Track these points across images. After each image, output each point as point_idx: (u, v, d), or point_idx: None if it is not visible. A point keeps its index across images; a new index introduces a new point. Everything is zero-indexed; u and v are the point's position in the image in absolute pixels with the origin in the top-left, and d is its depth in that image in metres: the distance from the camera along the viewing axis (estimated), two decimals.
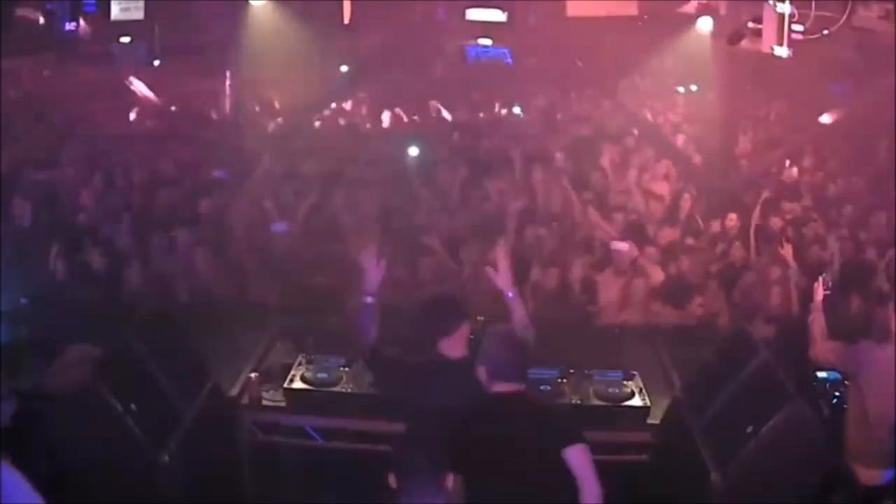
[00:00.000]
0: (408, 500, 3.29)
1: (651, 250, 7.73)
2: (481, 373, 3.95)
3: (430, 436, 3.74)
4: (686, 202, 9.01)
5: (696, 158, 11.59)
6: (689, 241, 8.18)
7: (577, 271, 7.29)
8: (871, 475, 4.95)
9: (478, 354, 4.05)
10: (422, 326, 4.44)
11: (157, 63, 14.43)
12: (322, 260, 7.52)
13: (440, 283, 6.99)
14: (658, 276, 7.45)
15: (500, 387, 3.92)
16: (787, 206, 9.23)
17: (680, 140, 12.44)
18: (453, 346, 4.34)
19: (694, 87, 14.67)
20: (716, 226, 8.48)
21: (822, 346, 5.30)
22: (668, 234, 8.23)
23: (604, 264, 7.57)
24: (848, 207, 9.21)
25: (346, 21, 12.22)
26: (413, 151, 9.57)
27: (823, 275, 5.67)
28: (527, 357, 4.01)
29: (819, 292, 5.50)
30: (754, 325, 6.65)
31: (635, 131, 12.15)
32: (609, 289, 7.25)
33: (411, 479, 3.32)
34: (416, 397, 4.30)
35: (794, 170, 10.67)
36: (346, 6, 12.06)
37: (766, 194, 8.97)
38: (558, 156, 9.88)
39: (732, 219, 8.39)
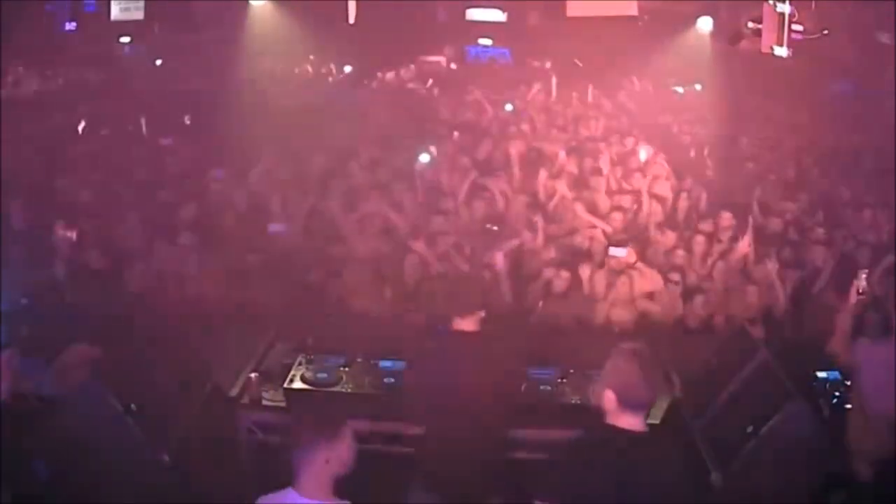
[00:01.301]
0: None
1: (650, 251, 7.72)
2: (609, 398, 3.34)
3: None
4: (685, 202, 9.00)
5: (696, 158, 11.57)
6: (689, 241, 8.15)
7: (576, 272, 7.29)
8: (871, 473, 4.94)
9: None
10: (441, 303, 4.58)
11: (158, 62, 14.49)
12: (322, 260, 7.52)
13: (426, 286, 6.99)
14: (657, 276, 7.44)
15: (627, 420, 3.32)
16: (786, 206, 9.21)
17: (679, 140, 12.43)
18: (466, 324, 4.49)
19: (698, 86, 14.66)
20: (714, 226, 8.47)
21: (839, 342, 5.28)
22: (668, 235, 8.22)
23: (602, 265, 7.55)
24: (847, 207, 9.20)
25: (352, 21, 12.23)
26: (413, 151, 9.58)
27: (861, 277, 5.55)
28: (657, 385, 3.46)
29: (854, 294, 5.42)
30: (753, 325, 6.65)
31: (635, 131, 12.14)
32: (608, 289, 7.23)
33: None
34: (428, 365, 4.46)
35: (793, 170, 10.67)
36: (352, 6, 12.07)
37: (764, 194, 8.96)
38: (559, 156, 9.87)
39: (727, 218, 8.38)
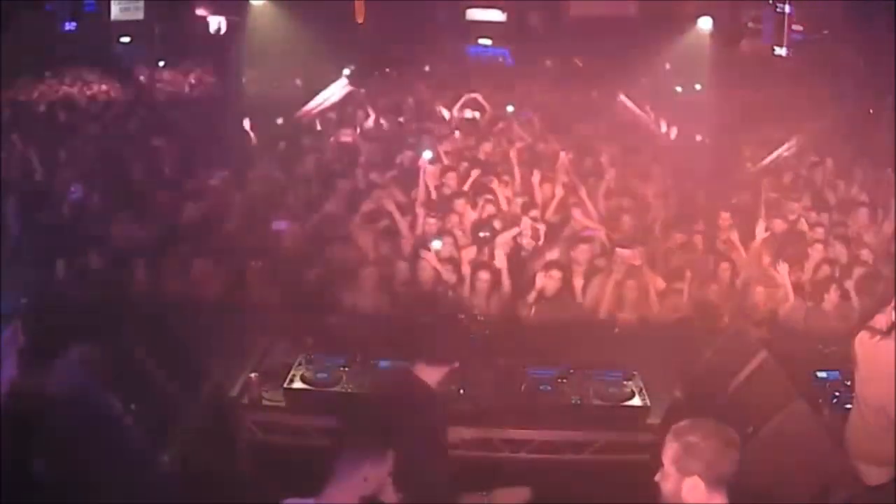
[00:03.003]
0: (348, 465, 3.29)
1: (651, 251, 7.72)
2: (693, 486, 2.94)
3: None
4: (686, 202, 9.00)
5: (696, 158, 11.58)
6: (690, 240, 8.15)
7: (578, 272, 7.28)
8: (874, 473, 4.93)
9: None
10: (411, 340, 4.30)
11: (161, 63, 14.50)
12: (323, 260, 7.51)
13: (435, 291, 6.98)
14: (658, 276, 7.44)
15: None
16: (787, 205, 9.21)
17: (679, 140, 12.45)
18: (430, 375, 4.16)
19: (698, 86, 14.66)
20: (714, 226, 8.47)
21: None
22: (668, 235, 8.22)
23: (604, 265, 7.54)
24: (848, 207, 9.20)
25: (360, 20, 12.25)
26: (413, 152, 9.58)
27: None
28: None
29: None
30: (758, 325, 6.65)
31: (635, 131, 12.16)
32: (609, 289, 7.22)
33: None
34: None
35: (794, 171, 10.67)
36: (360, 6, 12.10)
37: (765, 194, 8.96)
38: (560, 156, 9.89)
39: (725, 218, 8.38)
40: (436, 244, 7.33)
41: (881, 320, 5.08)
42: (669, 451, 3.04)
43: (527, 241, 7.77)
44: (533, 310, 6.88)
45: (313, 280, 7.28)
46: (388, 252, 7.52)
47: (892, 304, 4.97)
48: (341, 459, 3.30)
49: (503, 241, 7.42)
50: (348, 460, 3.28)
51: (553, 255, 7.49)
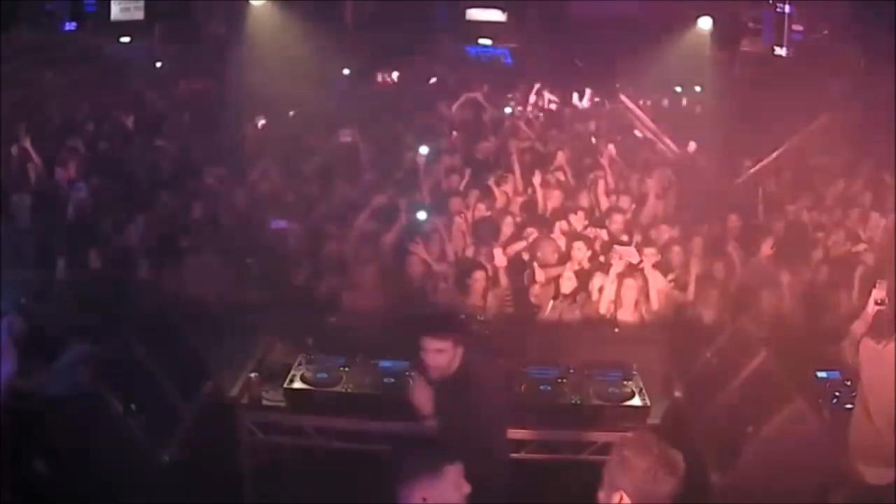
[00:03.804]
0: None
1: (650, 251, 7.71)
2: (620, 503, 2.83)
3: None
4: (686, 202, 9.00)
5: (696, 158, 11.58)
6: (690, 241, 8.15)
7: (578, 272, 7.28)
8: (875, 474, 4.94)
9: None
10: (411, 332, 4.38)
11: (158, 64, 14.50)
12: (322, 260, 7.52)
13: (427, 292, 6.99)
14: (658, 276, 7.43)
15: None
16: (787, 206, 9.22)
17: (679, 140, 12.44)
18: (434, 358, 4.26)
19: (698, 88, 14.67)
20: (716, 226, 8.48)
21: (851, 348, 5.16)
22: (668, 235, 8.21)
23: (604, 265, 7.54)
24: (848, 207, 9.21)
25: (350, 21, 12.29)
26: (414, 151, 9.59)
27: (880, 286, 5.34)
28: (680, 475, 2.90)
29: (871, 303, 5.26)
30: (755, 325, 6.65)
31: (635, 131, 12.15)
32: (608, 290, 7.22)
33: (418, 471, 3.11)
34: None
35: (793, 171, 10.67)
36: (349, 6, 12.14)
37: (765, 195, 8.96)
38: (559, 156, 9.88)
39: (733, 220, 8.38)
40: (421, 215, 7.35)
41: (860, 327, 5.08)
42: (608, 461, 2.92)
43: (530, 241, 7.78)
44: (551, 309, 6.88)
45: (313, 279, 7.28)
46: (384, 251, 7.53)
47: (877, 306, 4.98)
48: (400, 481, 3.03)
49: (506, 251, 7.41)
50: (405, 481, 3.02)
51: (554, 254, 7.51)
